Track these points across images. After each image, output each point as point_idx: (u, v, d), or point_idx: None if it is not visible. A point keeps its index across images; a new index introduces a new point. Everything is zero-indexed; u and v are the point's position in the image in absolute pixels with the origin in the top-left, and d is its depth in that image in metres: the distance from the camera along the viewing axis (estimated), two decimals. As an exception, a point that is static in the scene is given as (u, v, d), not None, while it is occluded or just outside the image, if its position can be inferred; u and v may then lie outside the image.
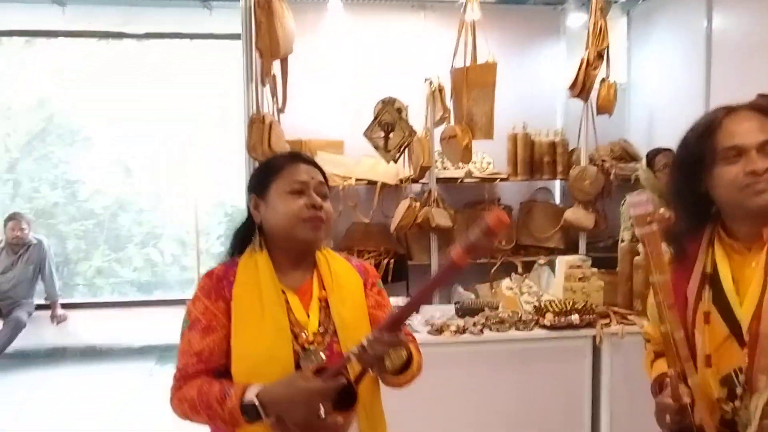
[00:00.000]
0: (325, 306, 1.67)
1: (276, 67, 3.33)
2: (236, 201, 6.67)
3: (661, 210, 1.41)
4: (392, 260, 4.56)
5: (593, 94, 4.14)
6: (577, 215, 4.51)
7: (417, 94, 4.35)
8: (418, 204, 4.21)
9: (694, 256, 1.58)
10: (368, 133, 3.87)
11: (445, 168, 4.78)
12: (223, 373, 1.58)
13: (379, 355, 1.47)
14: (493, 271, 4.47)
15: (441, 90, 3.96)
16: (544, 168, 4.69)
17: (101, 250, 7.23)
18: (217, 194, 7.08)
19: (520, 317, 3.18)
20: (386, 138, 3.87)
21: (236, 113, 3.81)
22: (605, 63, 3.87)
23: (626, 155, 4.72)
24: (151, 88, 6.79)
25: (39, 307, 6.14)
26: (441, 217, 4.35)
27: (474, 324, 3.14)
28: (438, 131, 4.22)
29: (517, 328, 3.13)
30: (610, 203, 4.57)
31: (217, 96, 6.43)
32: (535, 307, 3.24)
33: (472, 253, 1.35)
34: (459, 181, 4.69)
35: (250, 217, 1.73)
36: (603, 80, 3.88)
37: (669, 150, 3.52)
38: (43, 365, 5.95)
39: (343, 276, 1.74)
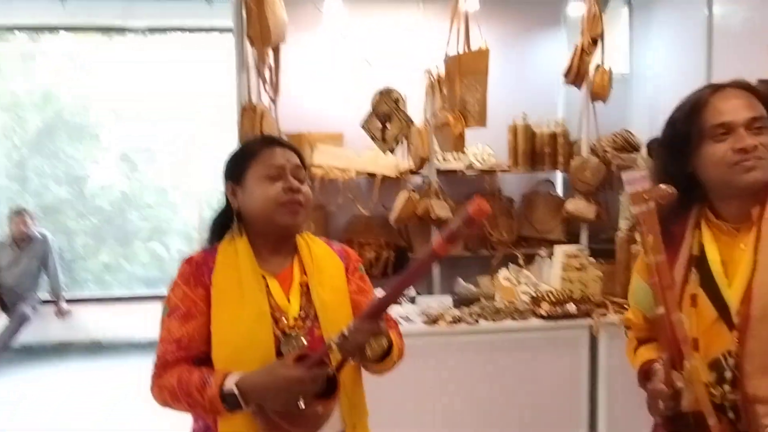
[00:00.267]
0: (305, 291, 1.66)
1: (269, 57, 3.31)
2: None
3: (663, 186, 1.37)
4: (393, 253, 4.54)
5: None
6: (579, 206, 4.47)
7: (417, 85, 4.33)
8: (417, 196, 4.18)
9: (680, 238, 1.56)
10: (365, 124, 3.85)
11: (445, 160, 4.75)
12: (204, 360, 1.57)
13: (360, 344, 1.47)
14: (494, 263, 4.46)
15: (440, 81, 3.93)
16: (545, 159, 4.64)
17: (108, 246, 7.27)
18: (221, 188, 7.09)
19: (516, 307, 3.17)
20: (383, 129, 3.85)
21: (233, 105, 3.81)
22: (600, 50, 3.82)
23: (628, 145, 4.66)
24: (154, 83, 6.82)
25: (44, 301, 6.18)
26: (441, 209, 4.32)
27: (470, 314, 3.14)
28: (438, 123, 4.17)
29: (513, 318, 3.12)
30: (612, 194, 4.54)
31: (218, 89, 6.43)
32: (531, 297, 3.23)
33: (453, 243, 1.34)
34: (459, 172, 4.67)
35: (228, 204, 1.72)
36: (598, 67, 3.83)
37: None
38: (47, 359, 6.01)
39: (324, 260, 1.73)
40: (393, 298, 1.48)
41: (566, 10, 4.86)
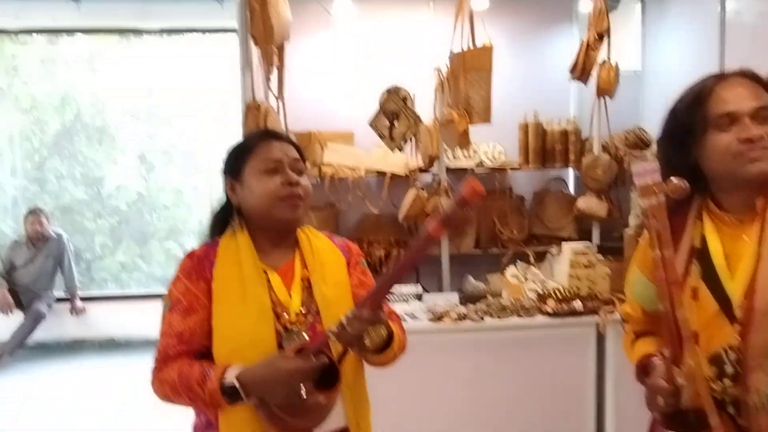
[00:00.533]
0: (307, 286, 1.65)
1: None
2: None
3: (675, 180, 1.34)
4: (402, 251, 4.54)
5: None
6: (590, 204, 4.44)
7: (427, 83, 4.32)
8: (425, 194, 4.17)
9: (681, 230, 1.53)
10: (373, 122, 3.85)
11: (455, 158, 4.74)
12: (205, 354, 1.57)
13: (358, 333, 1.45)
14: (504, 260, 4.44)
15: (449, 79, 3.92)
16: (556, 157, 4.62)
17: (125, 246, 7.33)
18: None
19: (523, 304, 3.15)
20: (391, 127, 3.85)
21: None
22: (607, 45, 3.78)
23: (640, 143, 4.62)
24: (169, 84, 6.87)
25: (59, 299, 6.25)
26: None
27: (476, 311, 3.12)
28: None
29: (519, 315, 3.10)
30: (623, 192, 4.50)
31: (232, 89, 6.46)
32: (538, 294, 3.21)
33: (448, 226, 1.33)
34: (469, 170, 4.65)
35: (228, 199, 1.72)
36: (604, 62, 3.80)
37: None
38: (62, 357, 6.08)
39: (325, 255, 1.72)
40: (390, 284, 1.47)
41: (577, 6, 4.83)
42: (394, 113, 3.81)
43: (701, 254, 1.49)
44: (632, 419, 3.13)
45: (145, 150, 7.39)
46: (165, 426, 3.62)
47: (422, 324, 3.03)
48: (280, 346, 1.55)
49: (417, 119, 3.84)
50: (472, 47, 3.35)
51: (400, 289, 3.55)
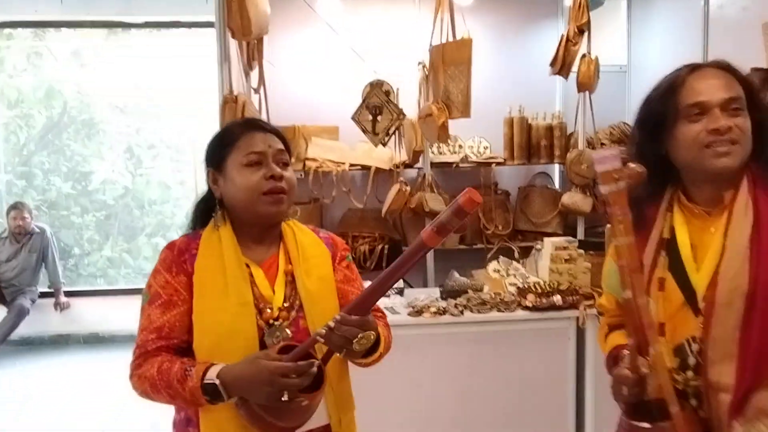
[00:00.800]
0: (291, 280, 1.62)
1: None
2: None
3: (632, 165, 1.32)
4: (387, 246, 4.52)
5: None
6: (575, 199, 4.43)
7: (412, 78, 4.31)
8: (408, 188, 4.16)
9: (652, 220, 1.53)
10: (356, 117, 3.83)
11: (441, 153, 4.73)
12: (185, 349, 1.54)
13: (347, 338, 1.41)
14: (489, 256, 4.43)
15: (429, 72, 3.90)
16: (541, 152, 4.62)
17: (113, 241, 7.29)
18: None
19: (503, 299, 3.14)
20: (374, 121, 3.83)
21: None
22: (587, 39, 3.77)
23: (626, 138, 4.61)
24: (156, 78, 6.84)
25: (43, 294, 6.22)
26: (435, 202, 4.29)
27: (455, 305, 3.11)
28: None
29: (499, 310, 3.09)
30: (608, 187, 4.49)
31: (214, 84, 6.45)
32: (518, 288, 3.20)
33: (443, 234, 1.30)
34: (454, 165, 4.64)
35: (210, 190, 1.67)
36: (584, 56, 3.78)
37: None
38: (46, 352, 6.06)
39: (310, 249, 1.68)
40: (381, 290, 1.43)
41: (563, 1, 4.82)
42: (377, 107, 3.79)
43: (670, 245, 1.48)
44: (611, 412, 3.13)
45: (132, 144, 7.35)
46: (161, 424, 3.62)
47: (402, 318, 3.02)
48: (262, 341, 1.52)
49: (400, 113, 3.83)
50: (452, 40, 3.31)
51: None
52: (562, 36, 3.79)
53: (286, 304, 1.58)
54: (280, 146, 1.63)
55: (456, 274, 4.16)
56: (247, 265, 1.59)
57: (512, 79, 4.84)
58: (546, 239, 3.42)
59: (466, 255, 4.66)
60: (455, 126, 4.58)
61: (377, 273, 3.51)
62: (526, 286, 3.15)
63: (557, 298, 3.04)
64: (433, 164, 4.55)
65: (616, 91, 4.66)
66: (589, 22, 3.64)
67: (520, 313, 3.08)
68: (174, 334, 1.53)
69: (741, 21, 3.66)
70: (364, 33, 4.77)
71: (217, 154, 1.63)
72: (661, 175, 1.53)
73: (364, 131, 3.88)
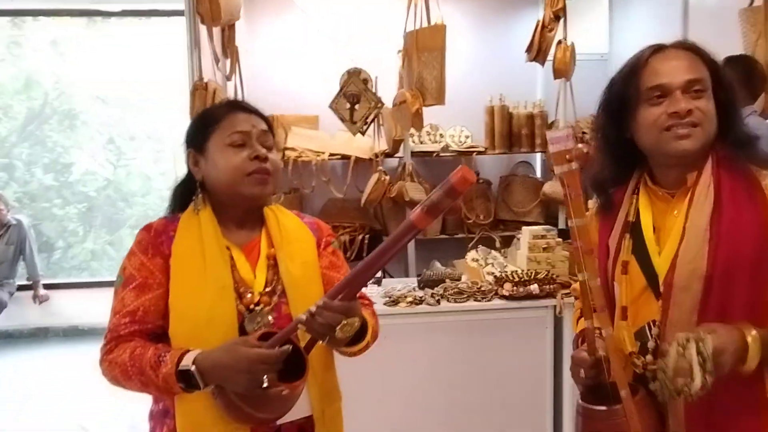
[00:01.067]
0: (273, 264, 1.56)
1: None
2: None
3: (579, 145, 1.30)
4: (368, 236, 4.51)
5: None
6: (555, 189, 4.41)
7: (392, 66, 4.27)
8: (387, 178, 4.13)
9: (620, 204, 1.51)
10: (333, 105, 3.79)
11: (421, 142, 4.71)
12: (160, 335, 1.48)
13: (329, 324, 1.34)
14: (470, 246, 4.41)
15: (404, 59, 3.87)
16: (522, 141, 4.61)
17: (95, 233, 7.23)
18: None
19: (480, 288, 3.12)
20: (352, 110, 3.79)
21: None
22: (563, 26, 3.75)
23: (607, 127, 4.61)
24: (136, 68, 6.77)
25: (21, 287, 6.15)
26: (415, 191, 4.27)
27: (432, 295, 3.09)
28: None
29: (476, 299, 3.07)
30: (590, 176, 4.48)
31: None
32: (495, 277, 3.18)
33: (434, 214, 1.22)
34: (435, 154, 4.62)
35: (190, 173, 1.61)
36: (559, 42, 3.76)
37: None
38: (25, 345, 5.99)
39: (293, 233, 1.63)
40: (367, 274, 1.36)
41: (544, -11, 4.80)
42: (354, 96, 3.76)
43: (634, 228, 1.47)
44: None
45: (113, 135, 7.28)
46: (141, 418, 3.58)
47: (378, 308, 2.95)
48: (242, 327, 1.47)
49: (378, 102, 3.79)
50: (426, 26, 3.27)
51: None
52: (538, 22, 3.75)
53: (267, 289, 1.53)
54: (264, 127, 1.58)
55: (437, 264, 4.15)
56: (228, 248, 1.54)
57: (493, 67, 4.83)
58: (524, 228, 3.39)
59: (447, 244, 4.65)
60: (436, 115, 4.58)
61: (357, 263, 3.46)
62: (504, 275, 3.12)
63: (534, 287, 3.02)
64: (413, 153, 4.53)
65: (598, 79, 4.60)
66: (564, 8, 3.61)
67: (497, 302, 3.05)
68: (148, 319, 1.47)
69: (720, 8, 3.67)
70: (343, 20, 4.75)
71: (199, 134, 1.57)
72: (627, 159, 1.50)
73: (342, 120, 3.85)
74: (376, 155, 4.39)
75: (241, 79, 3.71)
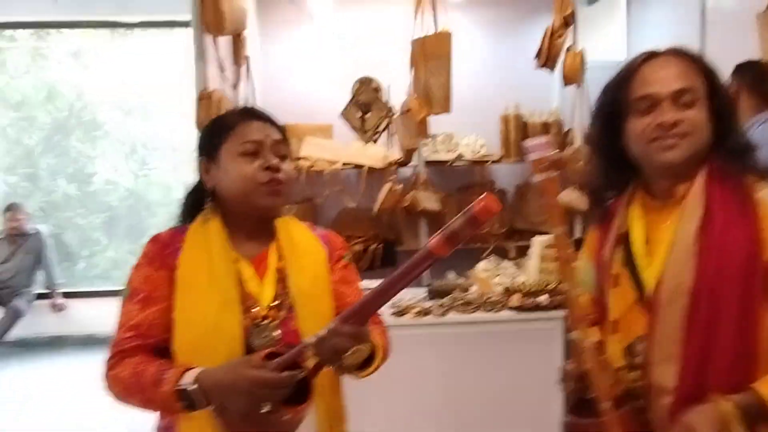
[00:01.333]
0: (282, 278, 1.50)
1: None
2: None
3: (552, 152, 1.26)
4: (381, 246, 4.47)
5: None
6: (571, 197, 4.34)
7: (406, 74, 4.24)
8: (399, 187, 4.09)
9: (615, 214, 1.47)
10: (345, 114, 3.77)
11: (435, 151, 4.67)
12: (165, 350, 1.43)
13: (338, 350, 1.29)
14: (484, 255, 4.36)
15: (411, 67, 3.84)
16: (537, 149, 4.54)
17: (116, 242, 7.29)
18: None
19: (489, 298, 3.06)
20: (363, 118, 3.77)
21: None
22: (573, 32, 3.69)
23: (624, 135, 4.54)
24: (153, 77, 6.83)
25: (39, 296, 6.22)
26: (428, 201, 4.24)
27: (440, 305, 3.04)
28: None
29: (484, 310, 3.01)
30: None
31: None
32: (505, 288, 3.12)
33: (454, 243, 1.17)
34: (449, 163, 4.58)
35: (201, 181, 1.57)
36: (569, 49, 3.70)
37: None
38: (43, 354, 6.04)
39: (304, 246, 1.57)
40: (381, 300, 1.29)
41: (559, -3, 4.75)
42: (366, 104, 3.74)
43: (626, 240, 1.42)
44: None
45: (136, 145, 7.35)
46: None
47: (385, 319, 2.95)
48: (247, 342, 1.42)
49: (389, 110, 3.76)
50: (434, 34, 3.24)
51: (368, 283, 3.45)
52: (547, 28, 3.69)
53: (275, 303, 1.47)
54: (278, 137, 1.53)
55: (453, 274, 4.10)
56: (236, 261, 1.50)
57: (508, 76, 4.78)
58: (536, 238, 3.34)
59: (462, 254, 4.47)
60: (452, 123, 4.55)
61: (369, 273, 3.43)
62: (513, 286, 3.07)
63: (544, 298, 2.96)
64: (428, 162, 4.50)
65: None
66: (574, 14, 3.55)
67: (506, 314, 3.00)
68: (153, 333, 1.43)
69: (736, 13, 3.61)
70: (357, 29, 4.74)
71: (211, 142, 1.53)
72: (622, 167, 1.45)
73: (354, 129, 3.82)
74: (390, 164, 4.36)
75: (253, 88, 3.71)
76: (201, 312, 1.43)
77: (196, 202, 1.58)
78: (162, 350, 1.44)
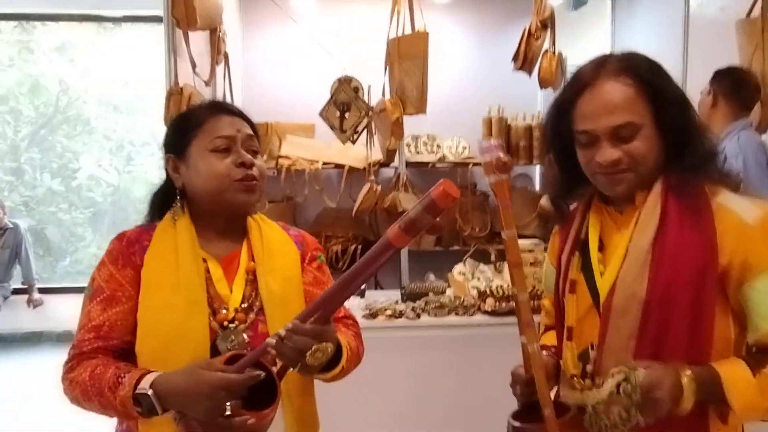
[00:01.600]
0: (252, 279, 1.46)
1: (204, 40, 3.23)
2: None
3: (500, 155, 1.23)
4: (360, 246, 4.45)
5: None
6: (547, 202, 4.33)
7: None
8: (378, 188, 4.06)
9: (573, 220, 1.44)
10: (324, 113, 3.73)
11: (418, 152, 4.65)
12: (128, 352, 1.38)
13: (299, 349, 1.23)
14: (464, 258, 4.33)
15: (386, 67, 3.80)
16: (520, 153, 4.51)
17: (101, 238, 7.24)
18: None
19: (462, 302, 3.03)
20: (342, 118, 3.73)
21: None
22: (551, 35, 3.66)
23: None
24: (138, 73, 6.79)
25: (16, 291, 6.17)
26: (408, 202, 4.20)
27: (413, 309, 3.01)
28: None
29: (457, 314, 2.98)
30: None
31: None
32: (478, 291, 3.09)
33: (413, 232, 1.12)
34: (431, 165, 4.56)
35: (169, 179, 1.51)
36: (545, 52, 3.67)
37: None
38: (18, 349, 6.00)
39: (276, 246, 1.53)
40: (342, 295, 1.26)
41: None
42: (345, 104, 3.69)
43: (584, 246, 1.39)
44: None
45: (120, 141, 7.31)
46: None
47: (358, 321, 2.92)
48: (214, 346, 1.37)
49: (368, 110, 3.72)
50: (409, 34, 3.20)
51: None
52: (524, 30, 3.66)
53: (244, 305, 1.43)
54: (250, 131, 1.48)
55: (432, 277, 4.07)
56: (205, 261, 1.44)
57: (492, 78, 4.76)
58: (511, 242, 3.30)
59: (442, 257, 4.56)
60: (434, 125, 4.53)
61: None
62: (487, 290, 3.04)
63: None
64: (409, 164, 4.48)
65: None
66: (552, 17, 3.52)
67: (479, 318, 2.97)
68: (114, 334, 1.37)
69: (719, 20, 3.60)
70: (341, 29, 4.72)
71: (180, 139, 1.47)
72: (579, 177, 1.40)
73: (332, 128, 3.78)
74: (372, 165, 4.33)
75: (230, 84, 3.67)
76: (166, 313, 1.38)
77: (164, 199, 1.53)
78: (126, 353, 1.39)
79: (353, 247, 4.43)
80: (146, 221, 1.55)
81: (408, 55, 3.03)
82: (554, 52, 3.63)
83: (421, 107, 3.09)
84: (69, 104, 7.24)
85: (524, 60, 3.58)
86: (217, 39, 3.22)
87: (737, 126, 2.90)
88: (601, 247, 1.37)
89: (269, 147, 4.32)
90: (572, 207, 1.49)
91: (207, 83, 3.22)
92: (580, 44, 4.53)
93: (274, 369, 1.30)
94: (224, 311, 1.41)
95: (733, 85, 2.92)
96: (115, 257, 1.43)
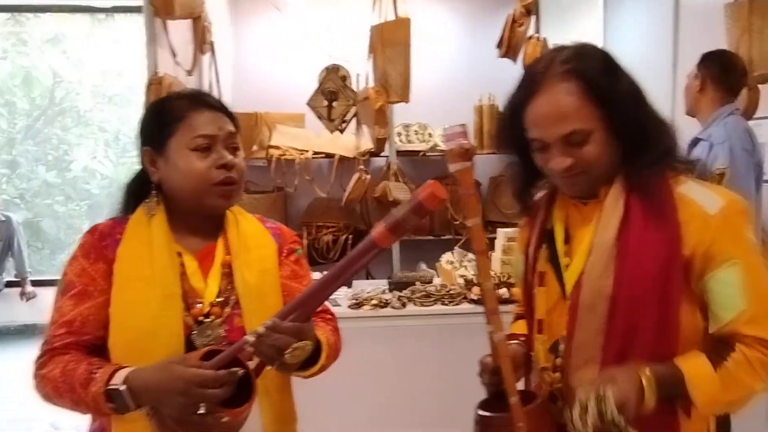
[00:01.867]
0: (228, 272, 1.43)
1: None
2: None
3: (462, 142, 1.20)
4: (351, 236, 4.43)
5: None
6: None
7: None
8: (368, 177, 4.04)
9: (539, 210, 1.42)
10: (311, 102, 3.71)
11: (409, 141, 4.62)
12: (100, 347, 1.35)
13: (278, 347, 1.21)
14: (456, 247, 4.31)
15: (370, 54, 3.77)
16: (511, 141, 4.49)
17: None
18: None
19: (449, 291, 3.02)
20: (329, 107, 3.70)
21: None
22: (535, 20, 3.62)
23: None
24: (132, 65, 6.76)
25: (9, 284, 6.16)
26: (399, 191, 4.18)
27: (399, 298, 2.99)
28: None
29: (443, 303, 2.97)
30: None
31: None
32: (465, 280, 3.08)
33: (399, 233, 1.11)
34: (421, 154, 4.54)
35: (143, 170, 1.47)
36: (530, 38, 3.62)
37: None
38: (12, 342, 6.00)
39: (253, 239, 1.49)
40: (324, 294, 1.25)
41: (536, -13, 4.70)
42: (332, 93, 3.67)
43: (551, 237, 1.36)
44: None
45: (115, 133, 7.30)
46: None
47: (342, 311, 2.90)
48: (189, 341, 1.35)
49: (356, 99, 3.69)
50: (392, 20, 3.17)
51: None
52: (508, 16, 3.61)
53: (219, 299, 1.40)
54: (231, 128, 1.44)
55: (424, 266, 4.05)
56: (179, 254, 1.41)
57: (483, 66, 4.70)
58: (499, 230, 3.29)
59: (434, 245, 4.53)
60: (425, 114, 4.50)
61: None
62: (474, 279, 3.02)
63: (503, 291, 2.91)
64: (400, 153, 4.45)
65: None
66: (536, 2, 3.48)
67: (465, 307, 2.95)
68: (86, 330, 1.34)
69: (709, 4, 3.57)
70: (330, 18, 4.68)
71: (158, 132, 1.42)
72: (539, 171, 1.37)
73: (320, 117, 3.75)
74: (362, 154, 4.30)
75: (217, 75, 3.65)
76: (140, 308, 1.35)
77: (138, 191, 1.48)
78: (99, 348, 1.36)
79: (344, 236, 4.41)
80: (119, 213, 1.50)
81: (391, 42, 3.00)
82: (539, 38, 3.58)
83: (404, 95, 3.06)
84: (63, 96, 7.22)
85: (508, 47, 3.53)
86: (201, 28, 3.18)
87: (724, 111, 2.87)
88: (568, 239, 1.34)
89: (259, 137, 4.29)
90: (539, 196, 1.46)
91: (190, 73, 3.18)
92: (573, 31, 4.50)
93: (251, 365, 1.28)
94: (199, 305, 1.38)
95: (721, 70, 2.88)
96: (86, 251, 1.40)
